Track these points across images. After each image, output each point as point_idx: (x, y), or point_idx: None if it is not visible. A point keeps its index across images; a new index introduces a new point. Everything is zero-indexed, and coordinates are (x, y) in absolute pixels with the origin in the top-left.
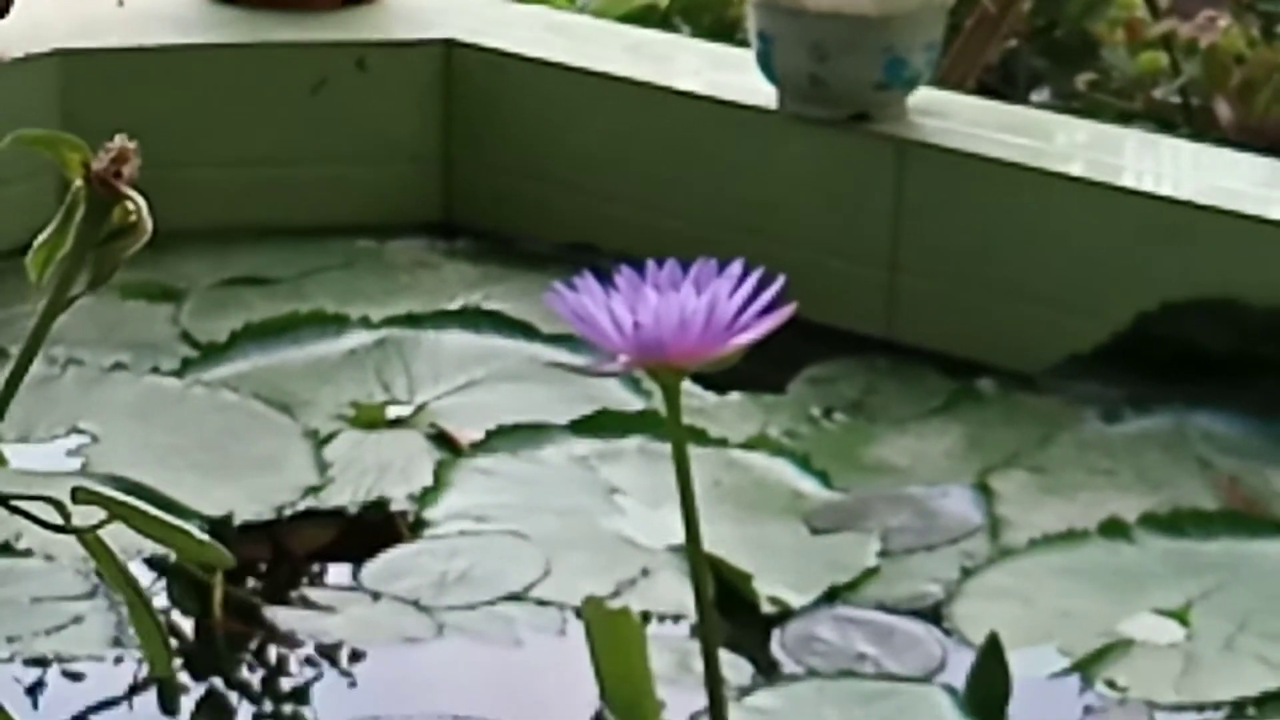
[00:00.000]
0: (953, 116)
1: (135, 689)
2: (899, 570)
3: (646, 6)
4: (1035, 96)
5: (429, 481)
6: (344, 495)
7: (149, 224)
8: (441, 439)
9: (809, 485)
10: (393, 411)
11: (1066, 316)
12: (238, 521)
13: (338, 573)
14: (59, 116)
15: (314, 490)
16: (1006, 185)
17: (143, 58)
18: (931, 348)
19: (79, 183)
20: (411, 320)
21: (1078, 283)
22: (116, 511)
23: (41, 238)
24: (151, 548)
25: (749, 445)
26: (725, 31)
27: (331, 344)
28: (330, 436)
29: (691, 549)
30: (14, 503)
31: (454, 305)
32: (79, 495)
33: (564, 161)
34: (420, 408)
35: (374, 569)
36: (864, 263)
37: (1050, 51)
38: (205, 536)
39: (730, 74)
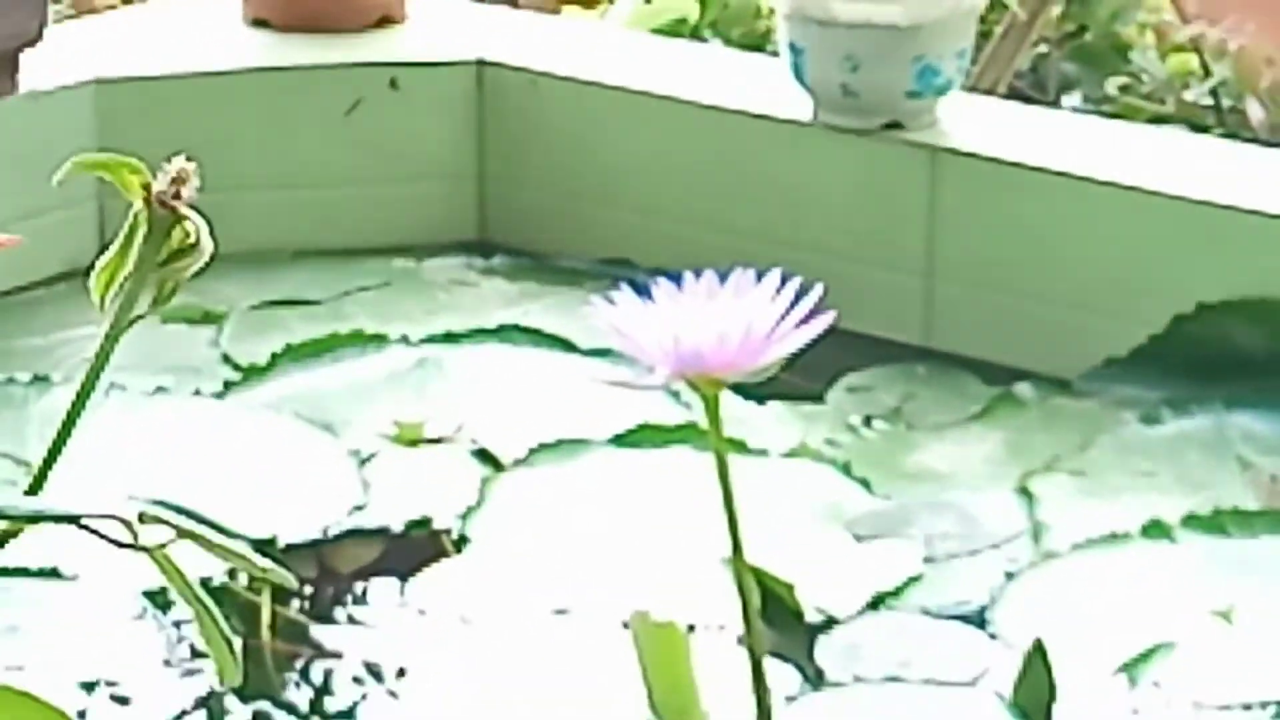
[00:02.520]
0: (985, 123)
1: (184, 713)
2: (942, 576)
3: (678, 20)
4: (1066, 101)
5: (472, 498)
6: (388, 513)
7: (209, 244)
8: (484, 455)
9: (851, 493)
10: (434, 429)
11: (1102, 320)
12: (283, 542)
13: (384, 590)
14: (96, 144)
15: (358, 509)
16: (1040, 190)
17: (178, 84)
18: (969, 354)
19: (139, 204)
20: (450, 338)
21: (1113, 286)
22: (182, 533)
23: (103, 260)
24: (198, 570)
25: (790, 455)
26: (756, 44)
27: (371, 363)
28: (372, 455)
29: (736, 560)
30: (84, 521)
31: (492, 322)
32: (145, 517)
33: (598, 177)
34: (461, 425)
35: (419, 586)
36: (900, 270)
37: (1081, 56)
38: (266, 562)
39: (763, 86)
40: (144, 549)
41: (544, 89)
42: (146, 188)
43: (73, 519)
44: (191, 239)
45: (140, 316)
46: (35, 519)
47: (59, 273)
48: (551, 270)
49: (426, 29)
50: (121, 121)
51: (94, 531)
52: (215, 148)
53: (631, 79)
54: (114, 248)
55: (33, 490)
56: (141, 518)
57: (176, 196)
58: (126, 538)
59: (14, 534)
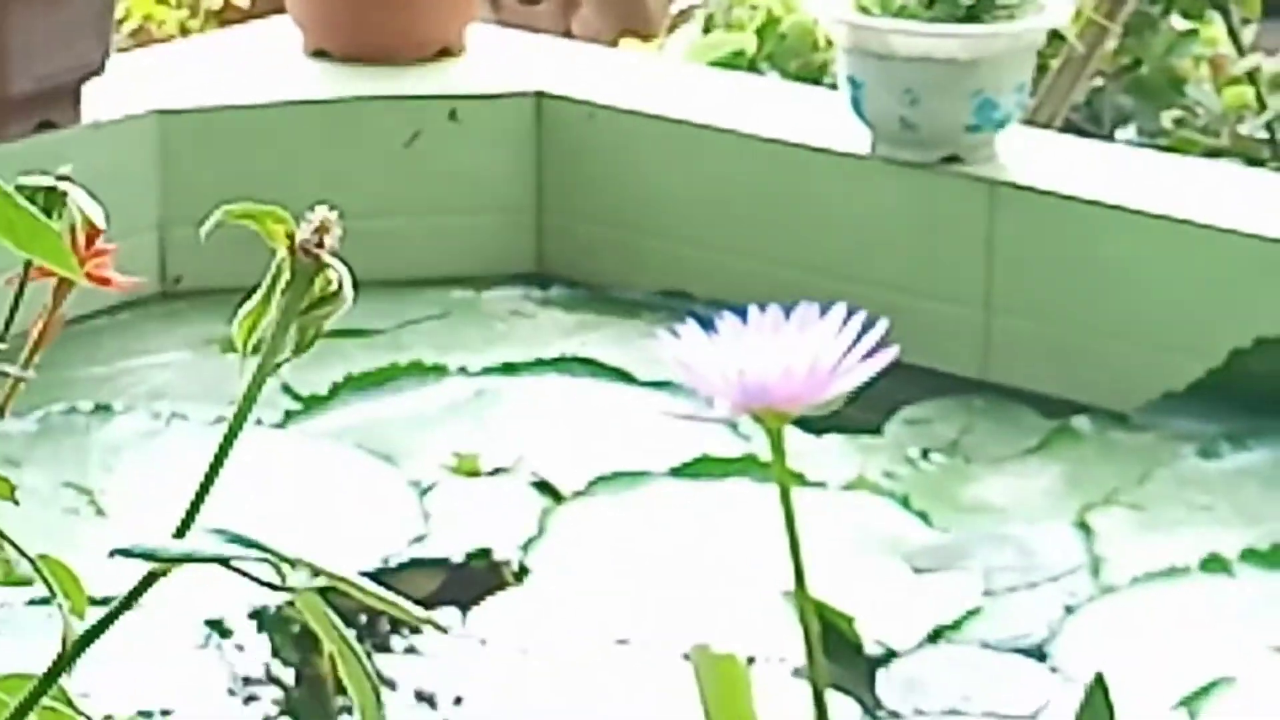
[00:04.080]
0: (1043, 156)
1: None
2: (1002, 609)
3: (735, 53)
4: (1121, 134)
5: (532, 529)
6: (448, 544)
7: (350, 293)
8: (543, 486)
9: (910, 526)
10: (493, 460)
11: (1161, 354)
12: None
13: (444, 620)
14: (158, 174)
15: (418, 540)
16: (1098, 224)
17: (238, 115)
18: (1026, 387)
19: (283, 253)
20: (509, 369)
21: (1171, 320)
22: (330, 580)
23: (246, 307)
24: (252, 602)
25: (848, 487)
26: (813, 76)
27: (431, 393)
28: (432, 486)
29: (799, 593)
30: (234, 563)
31: (550, 353)
32: (296, 564)
33: (655, 209)
34: (520, 456)
35: (479, 616)
36: (957, 303)
37: (1136, 89)
38: (411, 605)
39: (820, 119)
40: (292, 590)
41: (602, 121)
42: (290, 236)
43: (223, 561)
44: (333, 287)
45: (281, 363)
46: (186, 560)
47: (121, 302)
48: (608, 301)
49: (485, 61)
50: (182, 151)
51: (244, 573)
52: (274, 178)
53: (689, 111)
54: (257, 295)
55: (180, 532)
56: (293, 564)
57: (320, 245)
58: (275, 579)
59: (163, 573)
